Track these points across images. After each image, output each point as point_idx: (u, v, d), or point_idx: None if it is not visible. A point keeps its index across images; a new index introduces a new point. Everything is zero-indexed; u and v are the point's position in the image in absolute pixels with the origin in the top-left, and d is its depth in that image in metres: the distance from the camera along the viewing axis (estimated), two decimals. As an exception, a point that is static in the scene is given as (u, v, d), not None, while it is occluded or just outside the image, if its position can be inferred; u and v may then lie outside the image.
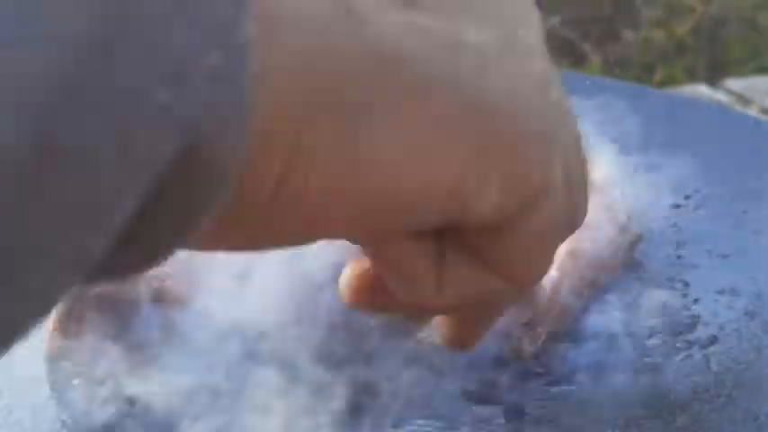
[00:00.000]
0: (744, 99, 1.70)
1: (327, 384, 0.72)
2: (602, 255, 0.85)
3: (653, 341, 0.81)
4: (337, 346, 0.75)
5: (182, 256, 0.33)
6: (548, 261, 0.45)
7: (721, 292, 0.88)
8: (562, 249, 0.82)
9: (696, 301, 0.87)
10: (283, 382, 0.71)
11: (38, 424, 0.71)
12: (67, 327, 0.77)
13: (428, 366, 0.75)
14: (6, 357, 0.84)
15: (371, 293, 0.45)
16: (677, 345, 0.80)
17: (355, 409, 0.71)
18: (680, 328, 0.82)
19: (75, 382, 0.74)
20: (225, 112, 0.28)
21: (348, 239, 0.42)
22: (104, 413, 0.71)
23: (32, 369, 0.77)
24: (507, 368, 0.75)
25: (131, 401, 0.71)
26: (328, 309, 0.76)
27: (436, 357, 0.75)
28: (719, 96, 1.73)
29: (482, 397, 0.75)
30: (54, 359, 0.76)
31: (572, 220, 0.44)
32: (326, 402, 0.71)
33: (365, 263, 0.45)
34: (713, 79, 1.86)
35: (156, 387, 0.72)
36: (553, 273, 0.79)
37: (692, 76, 2.35)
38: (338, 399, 0.71)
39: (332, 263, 0.71)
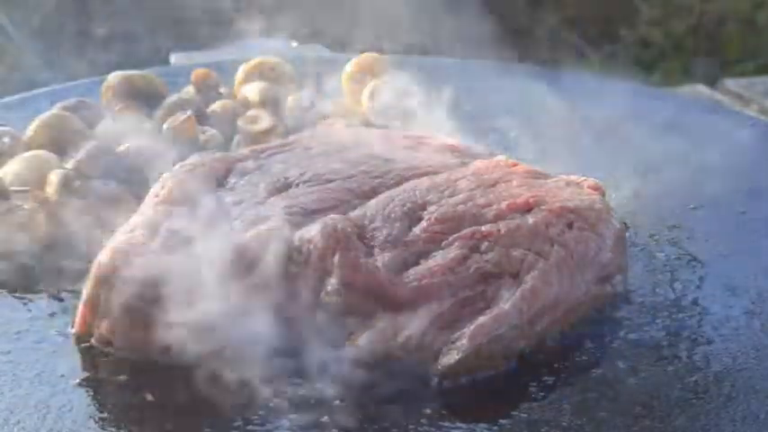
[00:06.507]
0: (743, 99, 1.69)
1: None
2: (599, 259, 0.85)
3: (652, 341, 0.81)
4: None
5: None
6: None
7: (721, 291, 0.88)
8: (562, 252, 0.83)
9: (696, 300, 0.87)
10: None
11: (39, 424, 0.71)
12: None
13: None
14: (7, 357, 0.82)
15: None
16: (677, 344, 0.80)
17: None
18: (679, 327, 0.83)
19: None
20: None
21: None
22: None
23: (33, 368, 0.78)
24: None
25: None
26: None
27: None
28: (718, 96, 1.73)
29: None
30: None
31: None
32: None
33: None
34: (712, 79, 1.86)
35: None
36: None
37: (690, 76, 2.35)
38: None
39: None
